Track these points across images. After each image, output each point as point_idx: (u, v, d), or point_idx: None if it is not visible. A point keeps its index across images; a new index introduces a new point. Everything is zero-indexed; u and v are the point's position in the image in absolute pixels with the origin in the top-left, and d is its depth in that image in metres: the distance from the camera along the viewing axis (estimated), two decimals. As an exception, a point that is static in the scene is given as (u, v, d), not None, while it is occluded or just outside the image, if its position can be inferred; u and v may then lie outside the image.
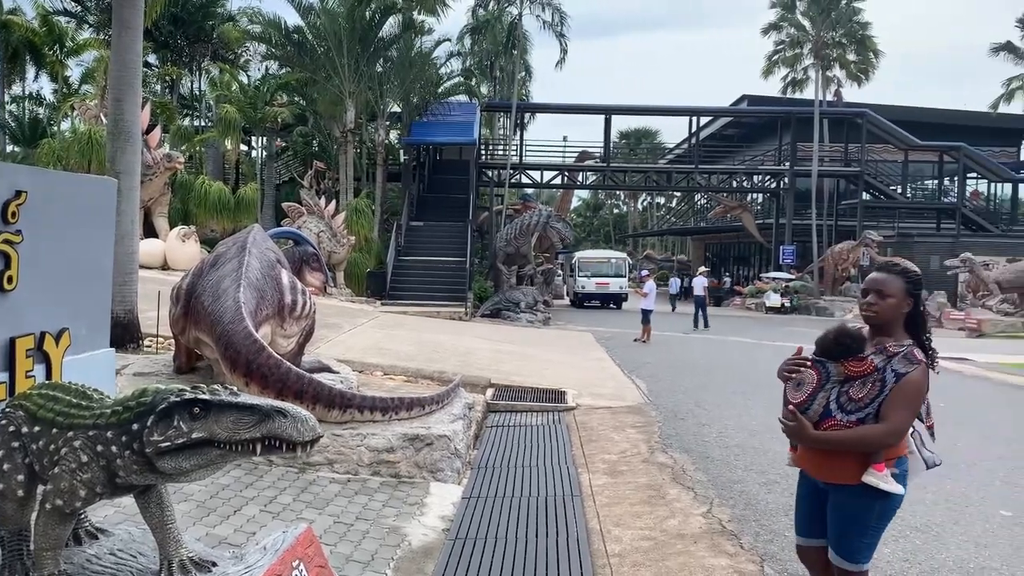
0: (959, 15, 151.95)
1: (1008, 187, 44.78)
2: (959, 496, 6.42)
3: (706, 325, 24.28)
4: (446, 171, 35.53)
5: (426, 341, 14.30)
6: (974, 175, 41.37)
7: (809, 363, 3.11)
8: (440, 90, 31.19)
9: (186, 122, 33.23)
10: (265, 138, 30.07)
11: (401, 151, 33.93)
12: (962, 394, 12.40)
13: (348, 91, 26.89)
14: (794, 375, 3.13)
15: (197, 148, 29.08)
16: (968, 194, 41.73)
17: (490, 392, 10.14)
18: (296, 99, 30.95)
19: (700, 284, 26.28)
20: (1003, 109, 37.03)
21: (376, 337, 14.07)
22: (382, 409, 6.56)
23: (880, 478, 2.99)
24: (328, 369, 8.30)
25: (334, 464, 6.20)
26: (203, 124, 33.51)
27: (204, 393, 2.37)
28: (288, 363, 6.38)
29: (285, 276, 7.64)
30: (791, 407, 3.07)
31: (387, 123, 31.11)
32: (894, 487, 3.02)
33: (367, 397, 6.67)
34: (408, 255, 26.09)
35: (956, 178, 39.91)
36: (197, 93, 35.37)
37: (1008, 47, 35.32)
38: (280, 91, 29.30)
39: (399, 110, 31.41)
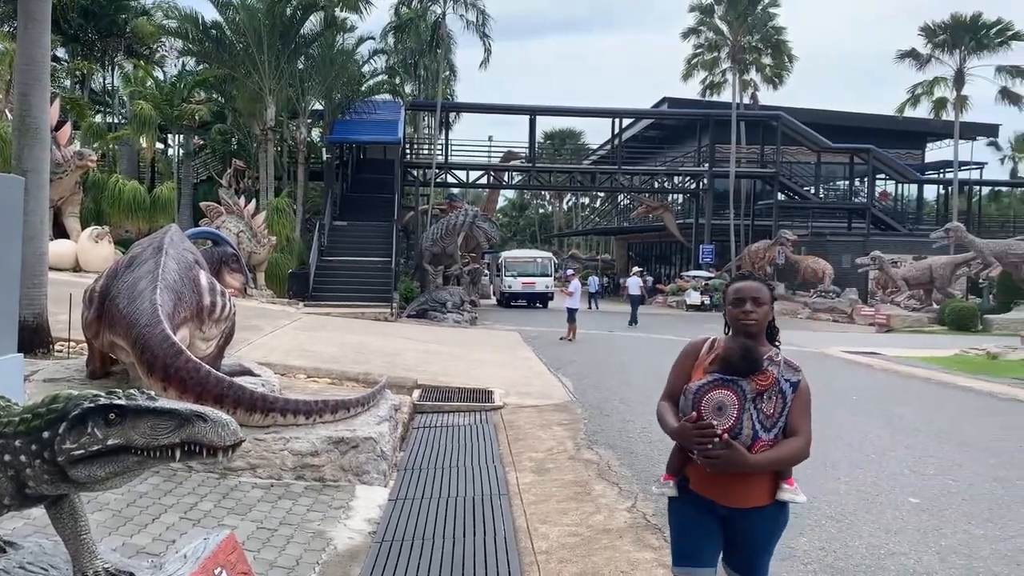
0: (869, 23, 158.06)
1: (914, 188, 46.82)
2: (870, 485, 6.68)
3: (635, 322, 24.86)
4: (370, 170, 35.21)
5: (351, 342, 14.14)
6: (883, 176, 43.11)
7: (722, 385, 2.83)
8: (363, 88, 30.87)
9: (98, 119, 32.06)
10: (182, 136, 29.25)
11: (323, 149, 33.47)
12: (872, 387, 12.90)
13: (268, 88, 26.38)
14: (706, 439, 2.76)
15: (110, 146, 28.07)
16: (877, 195, 43.44)
17: (417, 393, 10.09)
18: (214, 96, 30.20)
19: (635, 284, 27.14)
20: (909, 113, 38.65)
21: (299, 339, 13.85)
22: (305, 412, 6.45)
23: (795, 492, 2.92)
24: (249, 372, 8.13)
25: (257, 469, 6.08)
26: (117, 121, 32.38)
27: (120, 398, 2.29)
28: (207, 366, 6.22)
29: (204, 277, 7.45)
30: (723, 435, 2.75)
31: (309, 121, 30.64)
32: (803, 497, 2.98)
33: (290, 400, 6.56)
34: (331, 255, 25.74)
35: (866, 179, 41.49)
36: (110, 89, 34.16)
37: (913, 54, 36.85)
38: (198, 88, 28.53)
39: (321, 108, 30.96)
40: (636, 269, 30.39)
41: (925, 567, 4.83)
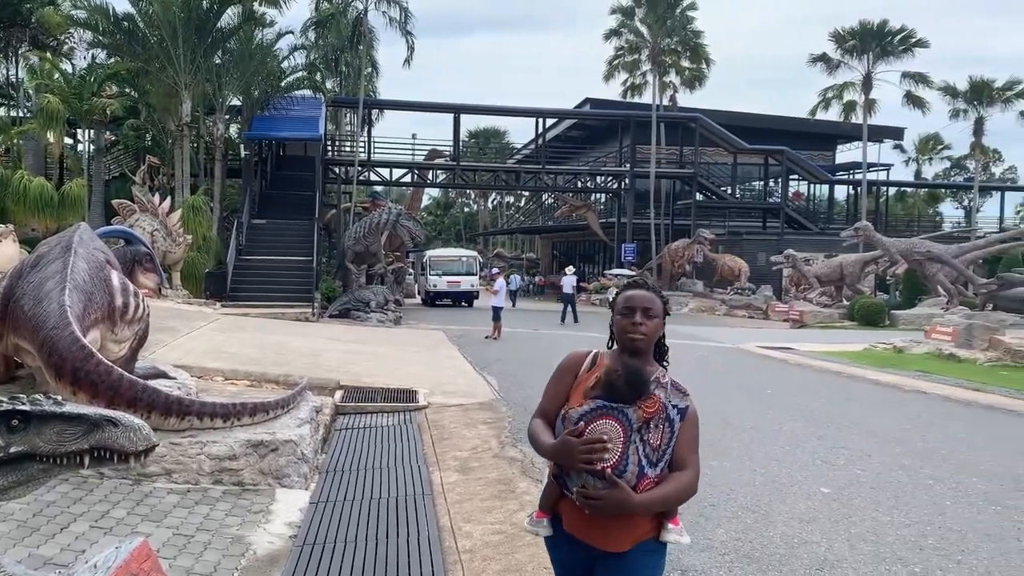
0: (782, 28, 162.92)
1: (825, 188, 48.51)
2: (784, 477, 6.90)
3: (575, 320, 25.29)
4: (290, 167, 34.57)
5: (271, 343, 13.88)
6: (795, 177, 44.52)
7: (607, 413, 2.44)
8: (283, 84, 30.29)
9: (1, 112, 30.62)
10: (93, 131, 28.16)
11: (242, 146, 32.71)
12: (786, 381, 13.33)
13: (184, 83, 25.64)
14: (595, 451, 2.39)
15: (15, 141, 26.86)
16: (790, 195, 44.84)
17: (339, 394, 9.96)
18: (127, 90, 29.16)
19: (569, 283, 27.72)
20: (820, 116, 39.99)
21: (217, 340, 13.52)
22: (223, 415, 6.31)
23: (679, 533, 2.58)
24: (164, 375, 7.91)
25: (172, 474, 5.91)
26: (21, 115, 30.99)
27: (24, 403, 2.21)
28: (120, 369, 6.03)
29: (115, 277, 7.22)
30: (606, 472, 2.39)
31: (226, 117, 29.88)
32: (687, 538, 2.65)
33: (207, 403, 6.40)
34: (250, 254, 25.18)
35: (780, 180, 42.79)
36: (14, 82, 32.66)
37: (824, 58, 38.13)
38: (109, 81, 27.50)
39: (239, 103, 30.26)
40: (570, 269, 30.81)
41: (836, 554, 5.02)
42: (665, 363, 2.66)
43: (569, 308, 26.27)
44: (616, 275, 36.26)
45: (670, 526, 2.56)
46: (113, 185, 30.02)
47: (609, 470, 2.38)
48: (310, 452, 6.64)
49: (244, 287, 23.25)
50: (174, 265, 21.21)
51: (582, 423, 2.44)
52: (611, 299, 2.68)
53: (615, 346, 2.64)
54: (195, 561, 4.55)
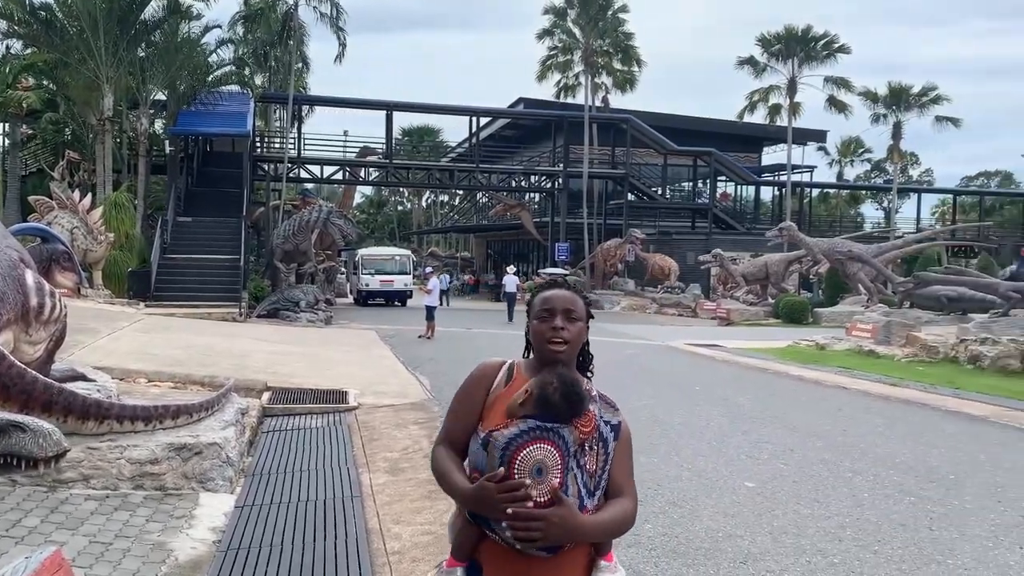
0: (712, 31, 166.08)
1: (751, 189, 49.67)
2: (711, 471, 7.04)
3: (510, 319, 25.48)
4: (217, 164, 33.80)
5: (196, 344, 13.55)
6: (723, 178, 45.49)
7: (542, 436, 2.05)
8: (210, 79, 29.60)
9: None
10: (8, 125, 27.06)
11: (167, 142, 31.86)
12: (713, 377, 13.60)
13: (106, 76, 24.84)
14: (518, 499, 1.98)
15: (-79, 133, 25.68)
16: (718, 195, 45.79)
17: (267, 396, 9.78)
18: (45, 82, 28.12)
19: (512, 282, 27.98)
20: (747, 119, 40.92)
21: (140, 341, 13.14)
22: (144, 418, 6.12)
23: (614, 570, 2.21)
24: (83, 377, 7.62)
25: (90, 480, 5.72)
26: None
27: (-80, 410, 2.10)
28: (34, 372, 5.78)
29: (30, 276, 6.92)
30: (552, 488, 2.02)
31: (151, 111, 29.08)
32: (623, 573, 2.25)
33: (127, 406, 6.20)
34: (175, 253, 24.52)
35: (708, 181, 43.64)
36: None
37: (751, 61, 39.04)
38: (25, 73, 26.47)
39: (164, 98, 29.46)
40: (511, 268, 31.05)
41: (759, 547, 5.14)
42: (589, 373, 2.27)
43: (512, 306, 26.96)
44: (550, 274, 36.47)
45: (603, 563, 2.18)
46: (30, 181, 28.90)
47: (547, 502, 1.99)
48: (235, 455, 6.50)
49: (169, 287, 22.64)
50: (95, 264, 20.52)
51: (502, 469, 2.01)
52: (527, 301, 2.28)
53: (531, 355, 2.25)
54: (112, 569, 4.41)
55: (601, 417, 2.14)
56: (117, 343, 12.64)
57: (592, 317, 2.30)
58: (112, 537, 4.88)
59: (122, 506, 5.44)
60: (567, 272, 36.94)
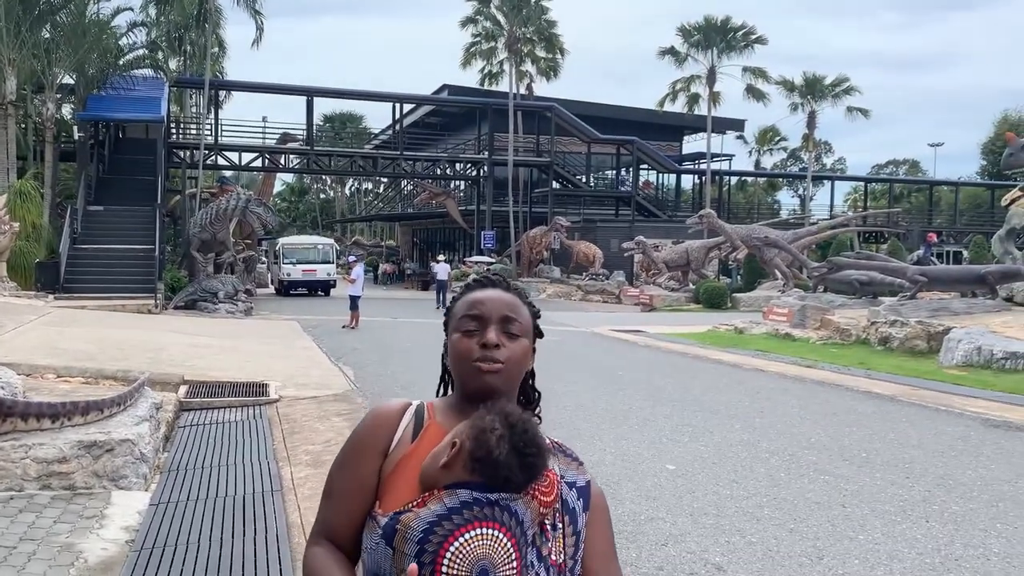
0: (635, 20, 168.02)
1: (673, 177, 50.53)
2: (633, 454, 7.14)
3: (440, 305, 25.45)
4: (130, 151, 32.60)
5: (109, 338, 13.07)
6: (646, 166, 46.13)
7: (482, 516, 1.33)
8: (121, 62, 28.48)
9: None
10: (-102, 108, 25.53)
11: (75, 127, 30.57)
12: (636, 362, 13.81)
13: (8, 58, 23.63)
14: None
15: None
16: (641, 184, 46.43)
17: (183, 390, 9.50)
18: (-61, 63, 26.61)
19: (444, 270, 28.15)
20: (668, 108, 41.56)
21: (48, 335, 12.60)
22: (51, 416, 5.87)
23: None
24: (-16, 374, 7.28)
25: (-7, 482, 5.45)
26: None
27: None
28: (-72, 370, 5.49)
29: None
30: None
31: (58, 96, 27.82)
32: None
33: (32, 403, 5.94)
34: (86, 243, 23.59)
35: (631, 169, 44.20)
36: None
37: (672, 51, 39.64)
38: (-83, 53, 24.99)
39: (72, 82, 28.24)
40: (441, 257, 31.05)
41: (679, 529, 5.23)
42: (538, 412, 1.59)
43: (441, 295, 27.24)
44: (477, 262, 36.46)
45: None
46: (-75, 168, 27.35)
47: None
48: (150, 451, 6.29)
49: (80, 278, 21.78)
50: (-1, 255, 19.60)
51: (436, 552, 1.30)
52: (446, 308, 1.58)
53: (451, 390, 1.55)
54: (16, 574, 4.21)
55: (562, 478, 1.44)
56: (23, 337, 12.10)
57: (541, 336, 1.57)
58: (16, 540, 4.66)
59: (27, 507, 5.20)
60: (493, 260, 36.99)
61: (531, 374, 1.57)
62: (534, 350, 1.54)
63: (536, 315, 1.56)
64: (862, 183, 57.12)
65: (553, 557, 1.39)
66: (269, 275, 39.19)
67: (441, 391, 1.59)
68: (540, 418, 1.56)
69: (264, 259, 40.13)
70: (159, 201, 26.80)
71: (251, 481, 6.17)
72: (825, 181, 56.30)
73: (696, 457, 7.11)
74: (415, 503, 1.35)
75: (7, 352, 10.28)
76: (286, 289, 34.63)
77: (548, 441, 1.45)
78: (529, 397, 1.59)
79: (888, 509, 5.70)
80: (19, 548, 4.56)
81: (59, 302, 18.93)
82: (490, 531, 1.31)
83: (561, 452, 1.51)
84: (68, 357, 10.58)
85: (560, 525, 1.41)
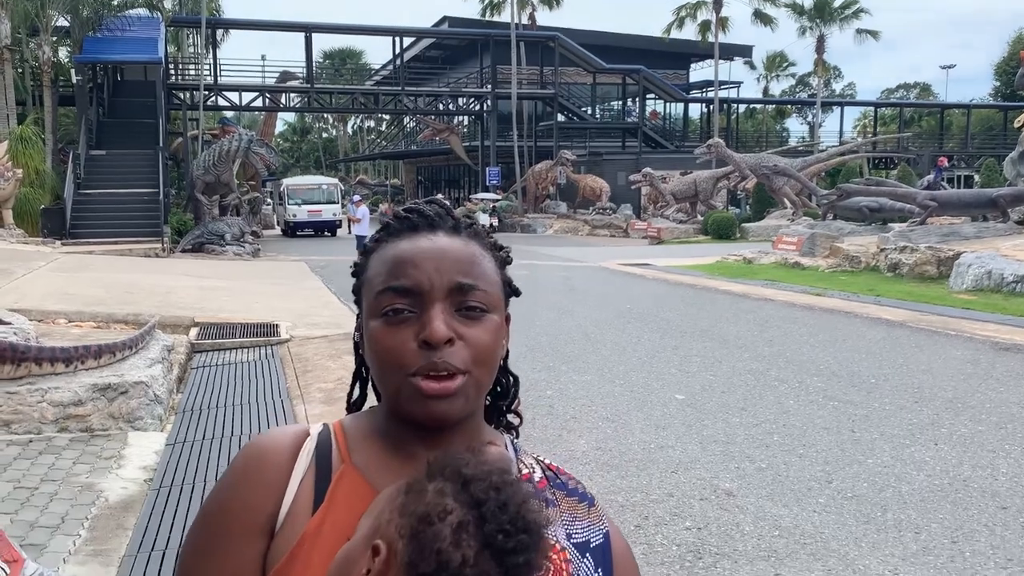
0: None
1: (680, 107, 49.79)
2: (642, 386, 7.18)
3: None
4: (130, 93, 32.22)
5: (118, 282, 13.12)
6: (652, 96, 45.41)
7: None
8: (116, 2, 27.98)
9: None
10: None
11: (73, 71, 30.16)
12: (644, 295, 13.80)
13: (0, 1, 23.23)
14: None
15: None
16: (648, 114, 45.79)
17: (194, 332, 9.56)
18: (-69, 8, 26.17)
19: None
20: (675, 35, 40.77)
21: (58, 281, 12.65)
22: (65, 360, 5.93)
23: None
24: (-3, 320, 7.33)
25: (11, 425, 5.53)
26: None
27: None
28: (-60, 317, 5.53)
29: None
30: None
31: (53, 39, 27.39)
32: None
33: (45, 348, 6.00)
34: (90, 188, 23.52)
35: (637, 99, 43.53)
36: None
37: (677, -24, 38.64)
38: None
39: (68, 24, 27.78)
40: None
41: (689, 456, 5.28)
42: (514, 427, 1.05)
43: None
44: (482, 199, 36.20)
45: None
46: (-75, 116, 27.14)
47: None
48: (164, 392, 6.36)
49: (86, 223, 21.78)
50: (5, 202, 19.56)
51: None
52: (355, 264, 1.00)
53: (370, 404, 1.01)
54: (40, 514, 4.30)
55: (570, 539, 0.92)
56: (33, 284, 12.15)
57: (516, 293, 0.99)
58: (38, 481, 4.75)
59: (47, 450, 5.28)
60: (499, 197, 36.73)
61: (505, 357, 0.98)
62: (508, 319, 0.96)
63: (506, 261, 0.99)
64: (872, 108, 56.21)
65: None
66: (275, 217, 39.11)
67: (360, 400, 1.03)
68: (518, 427, 1.04)
69: (269, 201, 39.99)
70: (161, 144, 26.63)
71: (265, 420, 6.25)
72: (835, 107, 55.42)
73: (705, 387, 7.15)
74: None
75: (18, 298, 10.34)
76: (292, 230, 34.58)
77: (539, 476, 0.96)
78: (503, 390, 1.02)
79: (897, 433, 5.74)
80: (41, 488, 4.65)
81: (67, 248, 18.98)
82: None
83: (560, 490, 0.96)
84: (78, 302, 10.64)
85: None
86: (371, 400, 1.00)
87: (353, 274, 0.99)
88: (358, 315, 0.97)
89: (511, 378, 1.03)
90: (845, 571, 3.71)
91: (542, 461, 1.00)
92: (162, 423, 6.08)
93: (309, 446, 0.92)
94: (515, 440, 1.03)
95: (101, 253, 18.75)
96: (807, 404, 6.54)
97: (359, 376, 1.03)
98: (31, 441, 5.42)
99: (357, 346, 1.00)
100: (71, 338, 7.99)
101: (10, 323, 7.43)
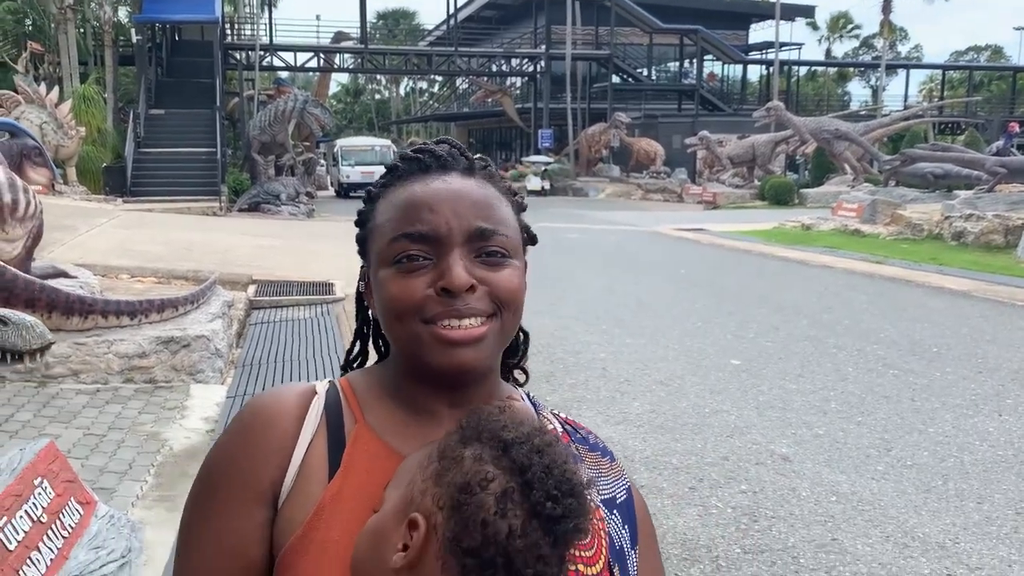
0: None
1: (738, 69, 48.67)
2: (696, 351, 7.12)
3: None
4: (187, 53, 32.61)
5: (177, 239, 13.39)
6: (710, 57, 44.42)
7: None
8: (174, -38, 28.22)
9: None
10: (-38, 15, 25.89)
11: (133, 30, 30.62)
12: (699, 260, 13.64)
13: (62, -40, 23.63)
14: None
15: None
16: (705, 76, 44.86)
17: (252, 289, 9.73)
18: (-3, -31, 26.76)
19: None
20: (734, -5, 39.66)
21: (119, 237, 12.96)
22: (129, 313, 6.09)
23: None
24: (64, 274, 7.53)
25: (80, 374, 5.72)
26: None
27: None
28: (14, 269, 5.70)
29: (1, 173, 6.75)
30: None
31: (114, -1, 27.83)
32: None
33: (111, 301, 6.16)
34: (149, 147, 23.96)
35: (694, 61, 42.65)
36: None
37: (738, -65, 37.54)
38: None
39: (127, -17, 28.19)
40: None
41: (745, 421, 5.24)
42: (521, 373, 1.00)
43: None
44: (534, 162, 35.97)
45: None
46: (-8, 75, 27.89)
47: None
48: (224, 347, 6.50)
49: (146, 182, 22.24)
50: (68, 160, 20.05)
51: None
52: (361, 211, 0.94)
53: (380, 359, 0.96)
54: (108, 460, 4.45)
55: (599, 503, 0.88)
56: (96, 240, 12.47)
57: (533, 241, 0.93)
58: (105, 429, 4.91)
59: (113, 399, 5.45)
60: (551, 160, 36.45)
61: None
62: (525, 266, 0.90)
63: (521, 207, 0.93)
64: (939, 71, 54.23)
65: None
66: (328, 177, 39.43)
67: (360, 358, 0.98)
68: (527, 372, 1.00)
69: (323, 162, 40.32)
70: (218, 104, 26.94)
71: (321, 374, 6.34)
72: (899, 70, 53.54)
73: (761, 352, 7.06)
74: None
75: (83, 254, 10.63)
76: (345, 191, 34.83)
77: (560, 431, 0.91)
78: (513, 346, 0.95)
79: (959, 403, 5.60)
80: (108, 436, 4.81)
81: (127, 205, 19.39)
82: None
83: (582, 445, 0.92)
84: (140, 258, 10.90)
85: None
86: (372, 361, 0.97)
87: (357, 223, 0.93)
88: (363, 266, 0.93)
89: (521, 334, 0.97)
90: (904, 538, 3.66)
91: (559, 415, 0.96)
92: (222, 376, 6.23)
93: (317, 405, 0.86)
94: (531, 393, 0.98)
95: (160, 211, 19.13)
96: (866, 372, 6.42)
97: (360, 334, 0.97)
98: (98, 391, 5.60)
99: (361, 298, 0.96)
100: (134, 292, 8.20)
101: (76, 277, 7.65)
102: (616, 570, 0.85)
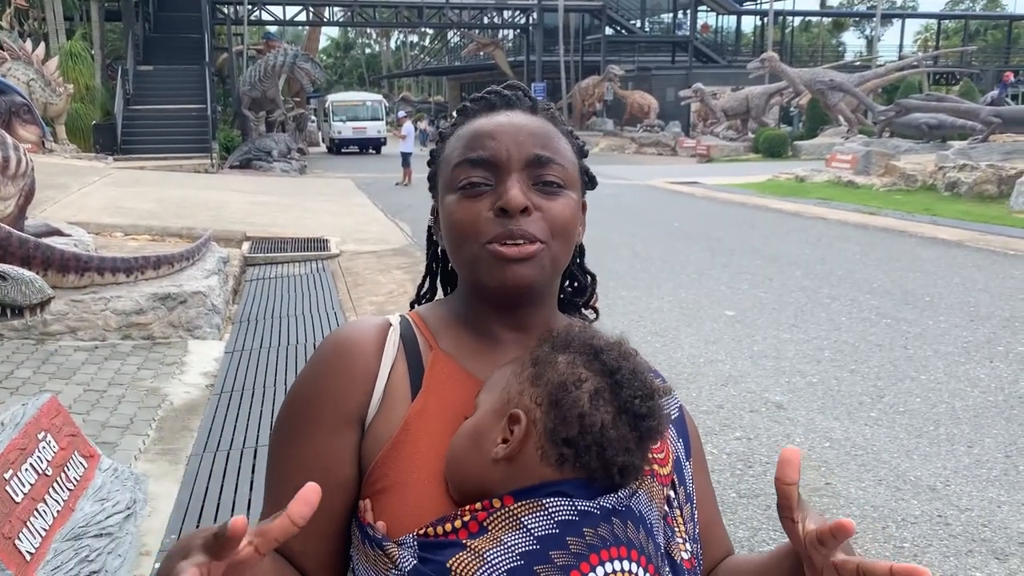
0: None
1: (733, 20, 48.12)
2: (692, 302, 7.17)
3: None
4: (174, 7, 32.00)
5: (170, 197, 13.33)
6: (704, 8, 43.85)
7: (609, 538, 0.76)
8: (158, -87, 27.63)
9: None
10: (-57, -31, 25.32)
11: (118, -15, 30.06)
12: (693, 213, 13.64)
13: (43, -88, 23.09)
14: None
15: None
16: (699, 27, 44.31)
17: (247, 245, 9.73)
18: (-23, -79, 26.11)
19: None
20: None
21: (112, 195, 12.89)
22: (125, 270, 6.09)
23: None
24: (59, 232, 7.51)
25: (77, 331, 5.74)
26: None
27: None
28: (7, 227, 5.68)
29: (-10, 130, 6.68)
30: None
31: (97, -48, 27.23)
32: None
33: (106, 258, 6.16)
34: (139, 104, 23.67)
35: (688, 12, 42.11)
36: None
37: None
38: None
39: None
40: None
41: (739, 370, 5.30)
42: (591, 312, 1.09)
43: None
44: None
45: None
46: (-25, 32, 27.39)
47: None
48: (221, 303, 6.52)
49: (137, 139, 22.02)
50: (57, 118, 19.82)
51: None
52: (433, 147, 1.00)
53: (446, 291, 1.04)
54: (110, 415, 4.49)
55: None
56: (89, 198, 12.40)
57: (593, 185, 1.00)
58: (105, 385, 4.95)
59: (112, 356, 5.48)
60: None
61: (580, 250, 1.01)
62: (584, 207, 0.95)
63: (583, 152, 0.98)
64: (935, 21, 53.68)
65: (685, 556, 0.86)
66: (320, 133, 39.09)
67: (429, 294, 1.04)
68: (597, 312, 1.08)
69: (314, 118, 39.92)
70: (207, 59, 26.56)
71: (319, 330, 6.38)
72: (895, 20, 52.96)
73: (755, 303, 7.11)
74: (455, 522, 0.78)
75: (76, 212, 10.58)
76: (337, 147, 34.58)
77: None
78: (580, 287, 1.04)
79: (951, 351, 5.67)
80: (109, 392, 4.85)
81: (119, 163, 19.24)
82: (622, 565, 0.75)
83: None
84: (133, 216, 10.86)
85: (676, 497, 0.89)
86: (439, 298, 1.03)
87: (429, 162, 0.99)
88: (434, 201, 0.98)
89: (588, 276, 1.05)
90: (896, 481, 3.74)
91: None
92: (220, 332, 6.25)
93: (394, 336, 0.93)
94: (590, 315, 1.09)
95: (152, 169, 18.99)
96: (859, 321, 6.48)
97: (429, 270, 1.05)
98: (97, 347, 5.63)
99: (431, 232, 1.02)
100: (128, 250, 8.18)
101: (70, 235, 7.63)
102: (677, 481, 0.92)
